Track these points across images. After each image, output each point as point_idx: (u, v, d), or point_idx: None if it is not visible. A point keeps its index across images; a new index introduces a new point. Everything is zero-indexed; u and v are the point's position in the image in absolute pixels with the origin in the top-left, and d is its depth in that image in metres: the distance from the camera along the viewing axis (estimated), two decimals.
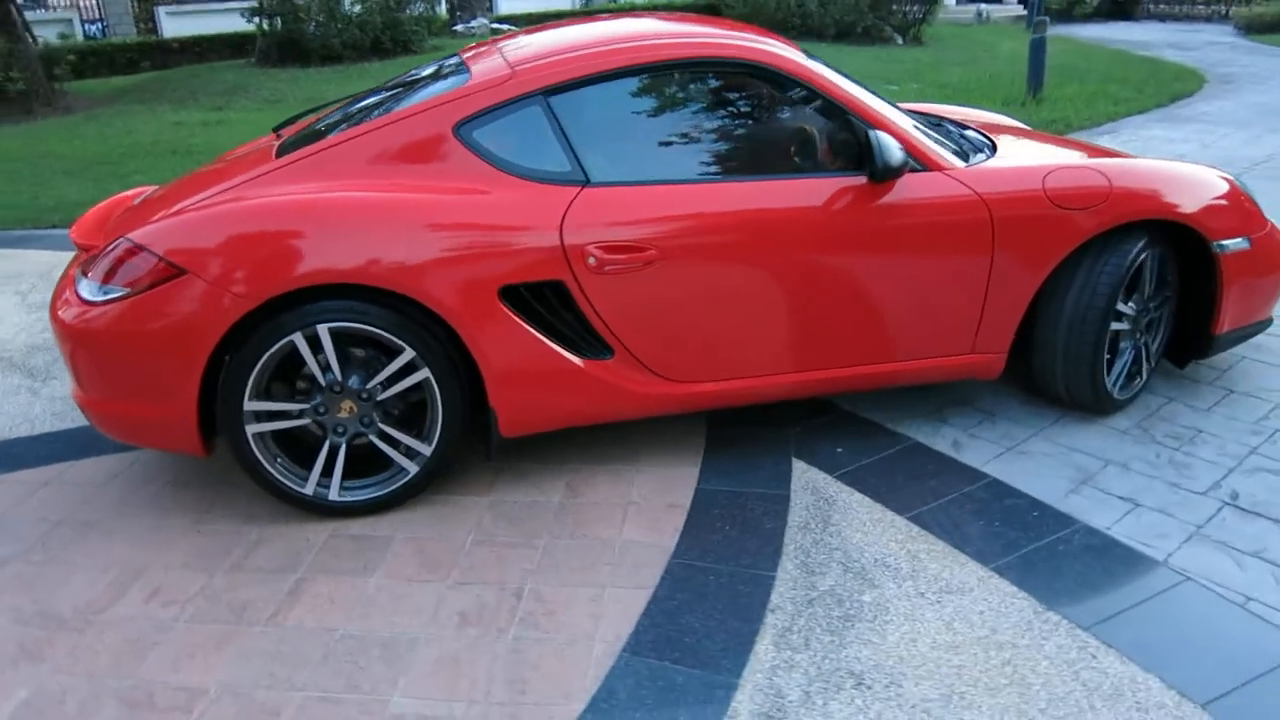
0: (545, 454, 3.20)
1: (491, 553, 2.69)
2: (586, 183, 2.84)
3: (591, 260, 2.77)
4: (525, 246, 2.74)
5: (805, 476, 3.01)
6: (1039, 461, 3.07)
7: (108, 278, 2.68)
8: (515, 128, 2.87)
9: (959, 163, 3.06)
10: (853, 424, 3.34)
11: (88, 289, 2.73)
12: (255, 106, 10.93)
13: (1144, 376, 3.38)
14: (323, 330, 2.65)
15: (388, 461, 2.86)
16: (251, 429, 2.74)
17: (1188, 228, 3.18)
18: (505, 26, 15.22)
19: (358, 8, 13.49)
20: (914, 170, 2.97)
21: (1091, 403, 3.29)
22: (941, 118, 3.98)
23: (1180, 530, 2.68)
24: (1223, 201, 3.25)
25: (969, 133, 3.61)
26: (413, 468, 2.86)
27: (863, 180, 2.91)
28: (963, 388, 3.57)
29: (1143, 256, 3.13)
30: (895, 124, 3.01)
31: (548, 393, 2.87)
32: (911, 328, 3.06)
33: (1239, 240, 3.25)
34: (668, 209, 2.83)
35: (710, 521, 2.78)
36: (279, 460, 2.82)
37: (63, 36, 16.37)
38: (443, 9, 18.00)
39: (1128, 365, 3.32)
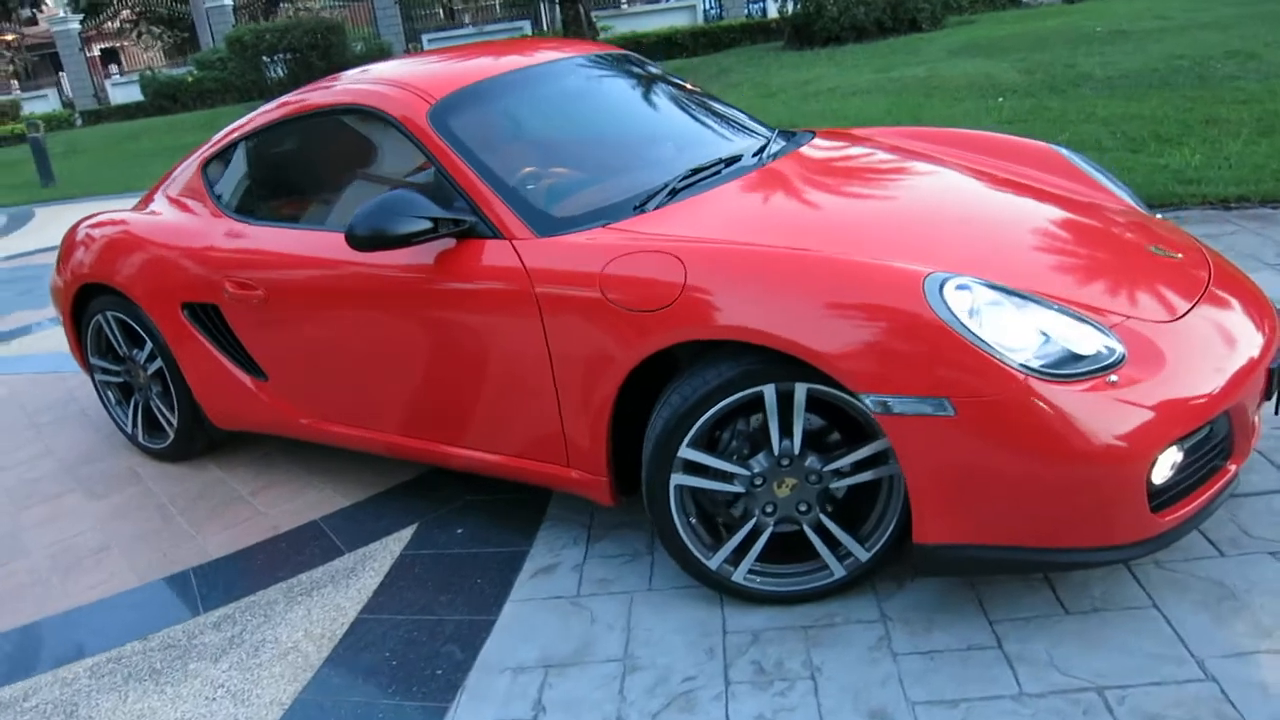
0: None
1: None
2: (234, 218, 3.10)
3: (226, 291, 3.03)
4: (194, 272, 3.14)
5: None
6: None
7: None
8: (234, 164, 3.24)
9: (530, 231, 2.41)
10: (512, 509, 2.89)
11: None
12: (720, 91, 11.41)
13: (832, 569, 2.19)
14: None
15: None
16: None
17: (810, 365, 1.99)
18: None
19: None
20: (487, 236, 2.46)
21: (708, 581, 2.30)
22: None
23: None
24: (892, 333, 1.92)
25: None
26: None
27: (449, 243, 2.53)
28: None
29: (747, 392, 2.07)
30: (476, 179, 2.51)
31: (233, 401, 3.25)
32: (496, 419, 2.57)
33: (923, 401, 1.88)
34: (271, 251, 2.91)
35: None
36: None
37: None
38: None
39: (764, 544, 2.21)
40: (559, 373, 2.35)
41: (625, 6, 20.18)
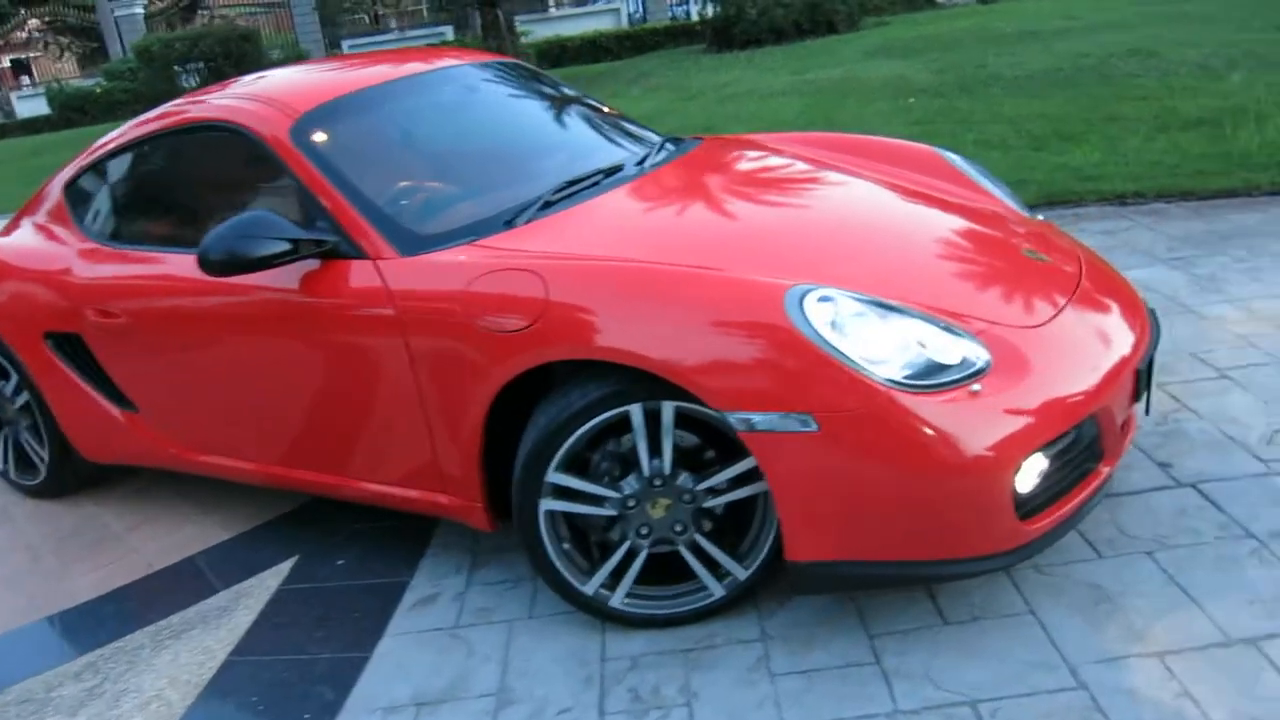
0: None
1: None
2: (96, 242, 2.94)
3: (88, 320, 2.87)
4: (54, 300, 2.97)
5: None
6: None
7: None
8: (96, 184, 3.08)
9: (394, 250, 2.32)
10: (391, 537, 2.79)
11: None
12: (639, 95, 11.31)
13: (711, 589, 2.14)
14: None
15: None
16: None
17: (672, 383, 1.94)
18: None
19: None
20: (352, 256, 2.36)
21: (586, 607, 2.23)
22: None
23: None
24: (753, 348, 1.88)
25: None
26: None
27: (314, 264, 2.41)
28: None
29: (613, 412, 2.01)
30: (339, 197, 2.40)
31: (102, 434, 3.08)
32: (368, 447, 2.47)
33: (786, 417, 1.84)
34: (132, 276, 2.77)
35: None
36: None
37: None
38: None
39: (640, 567, 2.15)
40: (426, 397, 2.26)
41: (552, 11, 20.08)
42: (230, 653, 2.43)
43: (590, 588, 2.18)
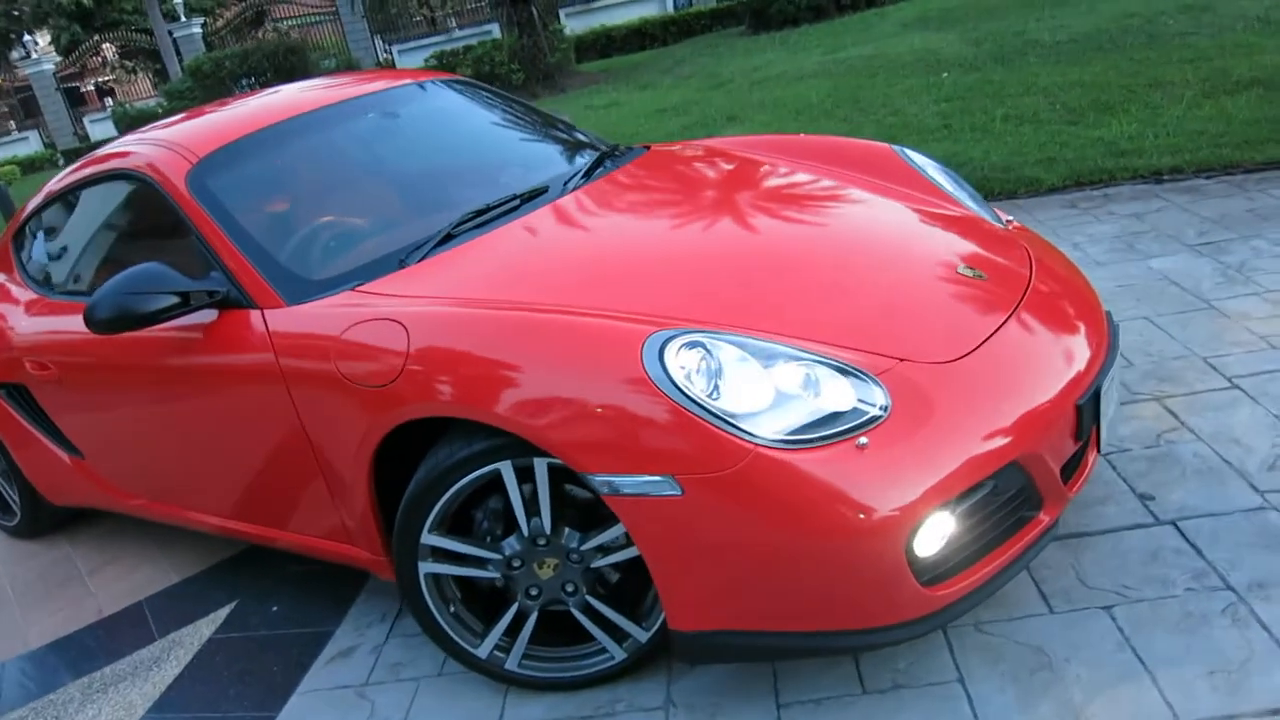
0: None
1: None
2: (36, 292, 2.91)
3: (28, 370, 2.86)
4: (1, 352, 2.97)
5: None
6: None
7: None
8: (34, 234, 3.09)
9: (281, 298, 2.20)
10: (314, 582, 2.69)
11: None
12: (670, 85, 10.98)
13: (611, 652, 1.98)
14: None
15: None
16: None
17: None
18: None
19: None
20: (244, 305, 2.25)
21: (482, 670, 2.09)
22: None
23: None
24: (610, 404, 1.70)
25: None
26: None
27: (212, 314, 2.31)
28: None
29: (484, 470, 1.86)
30: (230, 244, 2.29)
31: (59, 479, 3.08)
32: (283, 499, 2.38)
33: (648, 481, 1.66)
34: (57, 329, 2.75)
35: None
36: None
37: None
38: None
39: (533, 629, 2.00)
40: (317, 451, 2.16)
41: (595, 2, 19.86)
42: (149, 708, 2.38)
43: (484, 651, 2.05)
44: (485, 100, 3.17)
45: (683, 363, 1.69)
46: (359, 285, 2.18)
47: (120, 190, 2.75)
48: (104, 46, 28.36)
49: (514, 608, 2.00)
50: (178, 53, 22.44)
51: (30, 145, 26.89)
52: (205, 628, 2.67)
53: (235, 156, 2.52)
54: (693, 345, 1.72)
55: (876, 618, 1.70)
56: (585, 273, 2.14)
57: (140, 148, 2.64)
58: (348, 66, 17.57)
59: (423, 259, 2.25)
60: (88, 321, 2.22)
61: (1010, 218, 2.66)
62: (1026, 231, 2.56)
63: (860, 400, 1.71)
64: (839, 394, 1.71)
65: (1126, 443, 2.51)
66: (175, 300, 2.21)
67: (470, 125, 3.07)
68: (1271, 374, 2.71)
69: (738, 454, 1.62)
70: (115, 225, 2.87)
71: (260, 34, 24.72)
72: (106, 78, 35.28)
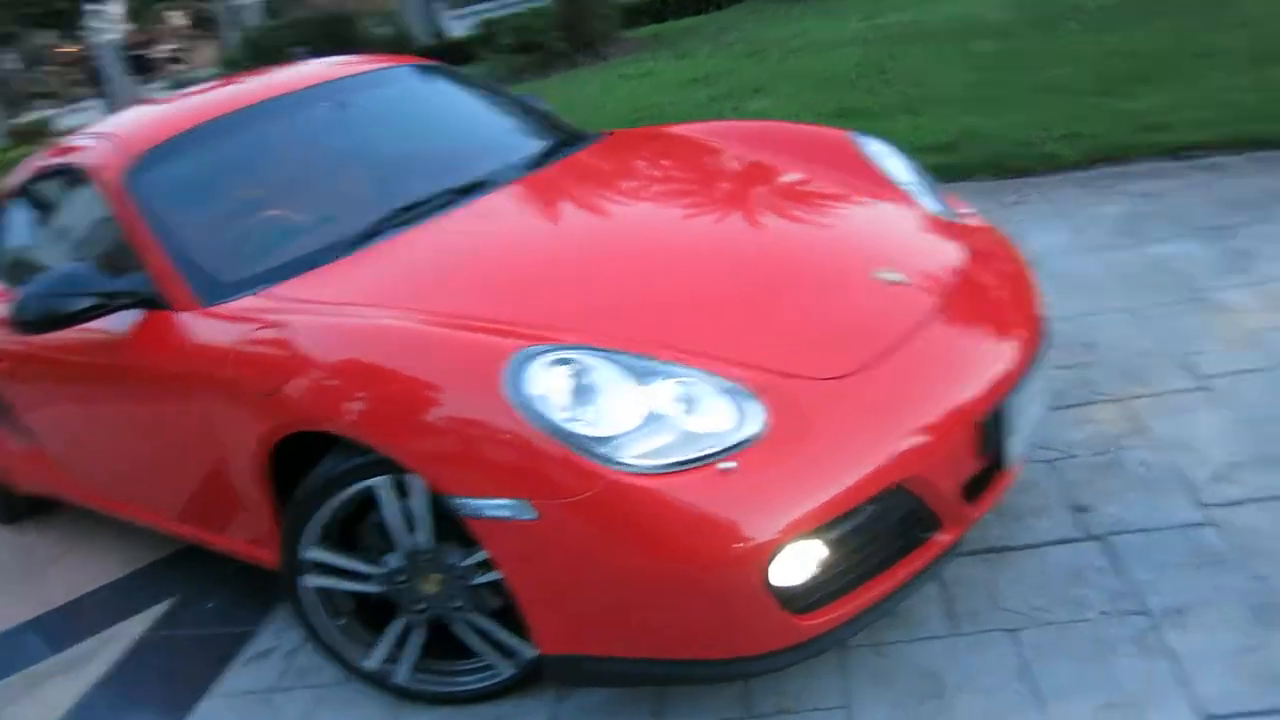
0: None
1: None
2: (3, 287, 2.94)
3: None
4: None
5: None
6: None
7: None
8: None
9: (196, 300, 2.17)
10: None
11: None
12: (709, 53, 10.57)
13: (499, 667, 1.93)
14: None
15: None
16: None
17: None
18: None
19: None
20: (163, 306, 2.22)
21: (372, 683, 2.06)
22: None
23: None
24: (468, 423, 1.64)
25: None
26: None
27: (138, 314, 2.29)
28: None
29: (360, 485, 1.81)
30: (154, 244, 2.27)
31: (19, 463, 3.15)
32: (212, 504, 2.36)
33: (503, 504, 1.59)
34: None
35: None
36: None
37: None
38: None
39: (421, 643, 1.95)
40: (224, 456, 2.14)
41: None
42: (68, 709, 2.39)
43: (372, 663, 2.01)
44: (450, 88, 3.10)
45: (547, 381, 1.61)
46: (268, 287, 2.14)
47: (68, 185, 2.77)
48: (171, 15, 28.92)
49: (402, 622, 1.96)
50: (236, 22, 22.75)
51: (92, 115, 27.72)
52: (137, 625, 2.66)
53: (171, 152, 2.50)
54: (560, 361, 1.64)
55: (740, 648, 1.62)
56: (492, 277, 2.08)
57: (89, 141, 2.66)
58: (399, 36, 17.56)
59: (337, 259, 2.20)
60: (13, 322, 2.24)
61: (968, 209, 2.50)
62: (980, 225, 2.41)
63: (736, 421, 1.61)
64: (714, 415, 1.62)
65: (1075, 449, 2.35)
66: (97, 301, 2.20)
67: (426, 115, 3.00)
68: (1245, 373, 2.51)
69: (593, 478, 1.55)
70: (67, 221, 2.89)
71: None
72: (176, 46, 36.11)
